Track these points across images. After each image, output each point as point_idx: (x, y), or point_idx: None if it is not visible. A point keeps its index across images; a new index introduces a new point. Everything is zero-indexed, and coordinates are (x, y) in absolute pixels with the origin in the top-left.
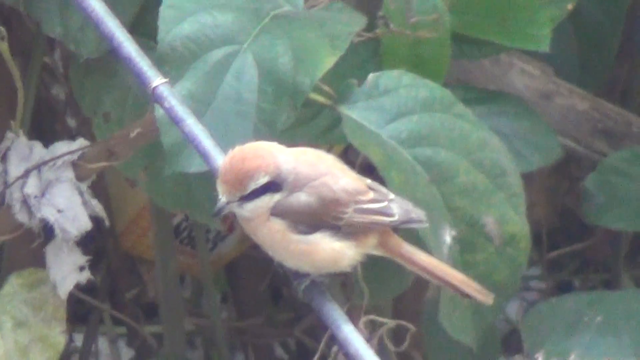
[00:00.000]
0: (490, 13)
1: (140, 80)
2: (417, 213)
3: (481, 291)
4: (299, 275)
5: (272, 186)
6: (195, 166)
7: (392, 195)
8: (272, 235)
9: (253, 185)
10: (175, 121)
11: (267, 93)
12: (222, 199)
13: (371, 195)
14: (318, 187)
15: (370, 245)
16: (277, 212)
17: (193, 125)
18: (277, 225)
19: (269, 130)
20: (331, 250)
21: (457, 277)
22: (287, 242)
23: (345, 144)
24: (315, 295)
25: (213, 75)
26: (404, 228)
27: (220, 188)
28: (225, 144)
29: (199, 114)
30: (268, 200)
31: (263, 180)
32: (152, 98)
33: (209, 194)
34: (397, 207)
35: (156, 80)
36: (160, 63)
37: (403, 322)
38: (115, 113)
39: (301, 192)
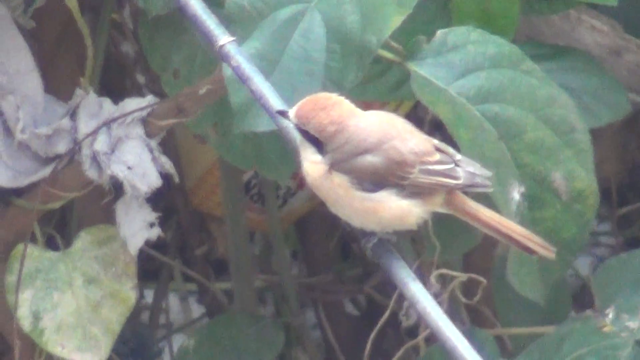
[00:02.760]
0: None
1: (206, 38)
2: (482, 176)
3: (544, 245)
4: (366, 233)
5: (316, 143)
6: (263, 125)
7: (459, 156)
8: (335, 190)
9: (307, 128)
10: (242, 80)
11: (335, 52)
12: (291, 112)
13: (437, 156)
14: (387, 150)
15: (437, 204)
16: (340, 167)
17: (260, 84)
18: (339, 180)
19: (337, 88)
20: (397, 208)
21: (520, 232)
22: (350, 198)
23: (414, 101)
24: (383, 253)
25: (281, 34)
26: (469, 190)
27: (298, 104)
28: (293, 103)
29: (267, 73)
30: (311, 153)
31: (314, 133)
32: (219, 56)
33: (279, 151)
34: (463, 170)
35: (223, 38)
36: (228, 22)
37: (475, 276)
38: (184, 70)
39: (368, 155)
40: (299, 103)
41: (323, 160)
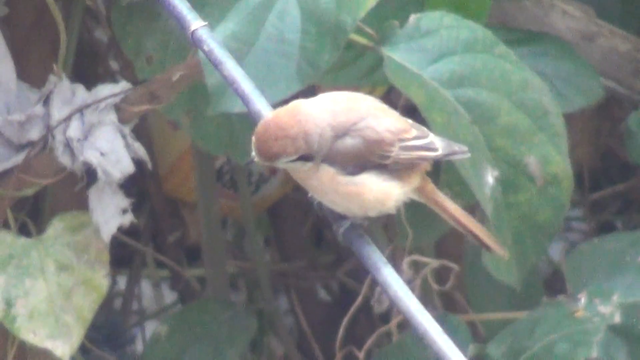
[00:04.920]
0: None
1: (179, 23)
2: (459, 145)
3: (499, 246)
4: (338, 218)
5: (301, 158)
6: (238, 106)
7: (432, 134)
8: (321, 180)
9: (281, 161)
10: (214, 64)
11: (310, 33)
12: (255, 157)
13: (414, 132)
14: (362, 130)
15: (414, 185)
16: (326, 159)
17: (232, 69)
18: (326, 172)
19: (312, 69)
20: (378, 190)
21: (479, 228)
22: (336, 184)
23: (388, 86)
24: (355, 238)
25: (256, 16)
26: (448, 159)
27: (253, 148)
28: (268, 84)
29: (242, 55)
30: (301, 165)
31: (291, 158)
32: (191, 41)
33: (251, 137)
34: (440, 141)
35: (195, 23)
36: (203, 4)
37: (446, 262)
38: (157, 56)
39: (346, 137)
40: (254, 143)
41: (314, 163)
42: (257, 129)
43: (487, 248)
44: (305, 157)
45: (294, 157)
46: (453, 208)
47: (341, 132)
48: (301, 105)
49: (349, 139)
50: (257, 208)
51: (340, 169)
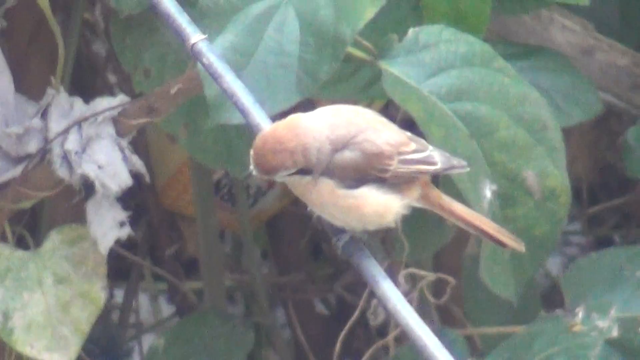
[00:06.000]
0: None
1: (179, 36)
2: (458, 159)
3: (514, 239)
4: (337, 231)
5: (300, 172)
6: (237, 118)
7: (431, 147)
8: (320, 194)
9: (279, 175)
10: (213, 77)
11: (309, 44)
12: (253, 171)
13: (413, 145)
14: (361, 143)
15: (414, 197)
16: (325, 173)
17: (232, 82)
18: (324, 184)
19: (311, 81)
20: (378, 204)
21: (491, 225)
22: (335, 198)
23: (386, 100)
24: (354, 251)
25: (255, 28)
26: (447, 173)
27: (252, 162)
28: (268, 96)
29: (241, 66)
30: (299, 178)
31: (290, 172)
32: (190, 54)
33: (249, 150)
34: (439, 155)
35: (195, 36)
36: (202, 16)
37: (443, 275)
38: (155, 69)
39: (345, 150)
40: (252, 157)
41: (313, 176)
42: (256, 142)
43: (502, 244)
44: (303, 171)
45: (293, 170)
46: (460, 209)
47: (340, 146)
48: (300, 119)
49: (348, 152)
50: (254, 221)
51: (340, 182)
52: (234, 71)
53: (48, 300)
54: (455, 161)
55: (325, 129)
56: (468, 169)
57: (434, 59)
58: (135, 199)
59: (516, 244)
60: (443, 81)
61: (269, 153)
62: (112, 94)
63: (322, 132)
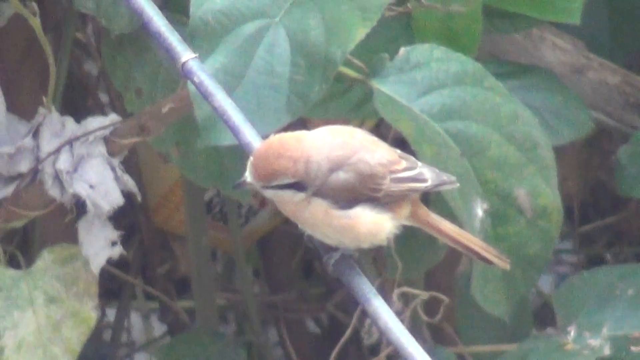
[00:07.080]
0: None
1: (170, 55)
2: (448, 175)
3: (500, 257)
4: (328, 250)
5: (296, 186)
6: (227, 139)
7: (420, 163)
8: (313, 215)
9: (277, 182)
10: (204, 96)
11: (300, 65)
12: (247, 178)
13: (404, 163)
14: (355, 164)
15: (404, 215)
16: (318, 193)
17: (223, 100)
18: (319, 206)
19: (302, 102)
20: (372, 223)
21: (478, 243)
22: (330, 218)
23: (377, 119)
24: (345, 269)
25: (245, 49)
26: (437, 190)
27: (249, 168)
28: (258, 117)
29: (232, 87)
30: (291, 195)
31: (288, 180)
32: (181, 73)
33: (241, 169)
34: (429, 172)
35: (185, 55)
36: (192, 37)
37: (436, 294)
38: (147, 88)
39: (339, 172)
40: (250, 165)
41: (306, 194)
42: (259, 147)
43: (488, 262)
44: (299, 185)
45: (291, 180)
46: (448, 227)
47: (335, 167)
48: (306, 134)
49: (342, 174)
50: (246, 240)
51: (333, 203)
52: (224, 91)
53: (39, 320)
54: (445, 177)
55: (326, 148)
56: (458, 185)
57: (425, 77)
58: (126, 218)
59: (502, 262)
60: (434, 100)
61: (272, 157)
62: (103, 113)
63: (323, 151)
